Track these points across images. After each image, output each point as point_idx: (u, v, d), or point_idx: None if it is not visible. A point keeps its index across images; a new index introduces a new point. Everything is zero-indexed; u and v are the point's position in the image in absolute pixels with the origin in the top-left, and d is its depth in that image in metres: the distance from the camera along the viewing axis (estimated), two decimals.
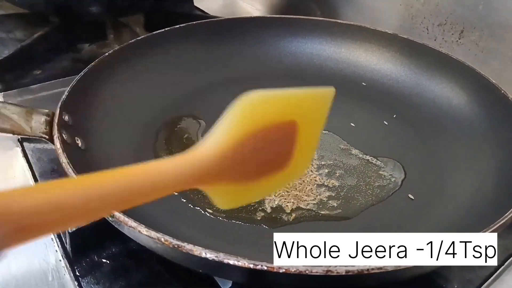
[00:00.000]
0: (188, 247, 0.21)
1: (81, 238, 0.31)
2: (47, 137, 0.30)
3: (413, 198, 0.34)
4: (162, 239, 0.22)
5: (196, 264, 0.23)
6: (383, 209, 0.33)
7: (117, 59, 0.40)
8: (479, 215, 0.29)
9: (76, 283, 0.29)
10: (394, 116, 0.42)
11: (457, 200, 0.32)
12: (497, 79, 0.38)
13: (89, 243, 0.31)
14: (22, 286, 0.30)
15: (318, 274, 0.20)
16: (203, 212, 0.32)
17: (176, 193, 0.33)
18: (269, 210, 0.32)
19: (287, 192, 0.34)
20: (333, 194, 0.34)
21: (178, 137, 0.39)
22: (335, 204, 0.33)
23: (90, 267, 0.30)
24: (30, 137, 0.31)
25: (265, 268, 0.20)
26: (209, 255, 0.21)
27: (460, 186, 0.33)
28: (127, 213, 0.23)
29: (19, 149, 0.41)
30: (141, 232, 0.22)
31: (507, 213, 0.25)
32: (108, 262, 0.31)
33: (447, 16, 0.50)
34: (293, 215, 0.32)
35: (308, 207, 0.33)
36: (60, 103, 0.32)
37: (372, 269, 0.20)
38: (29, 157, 0.40)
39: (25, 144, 0.41)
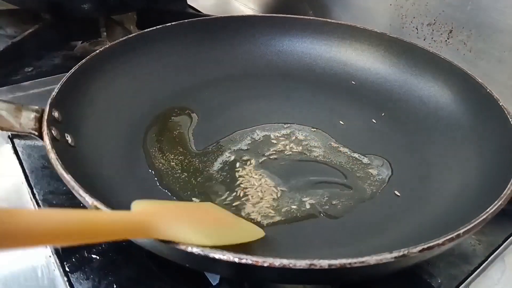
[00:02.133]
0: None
1: None
2: (36, 133, 0.30)
3: (399, 194, 0.34)
4: None
5: (183, 259, 0.23)
6: (370, 205, 0.33)
7: (108, 56, 0.40)
8: (464, 212, 0.30)
9: (65, 279, 0.30)
10: (383, 114, 0.43)
11: (442, 196, 0.33)
12: (485, 79, 0.39)
13: None
14: (11, 282, 0.30)
15: (301, 267, 0.20)
16: None
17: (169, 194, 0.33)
18: (256, 209, 0.32)
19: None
20: (321, 191, 0.34)
21: (169, 133, 0.40)
22: (323, 202, 0.33)
23: (79, 262, 0.31)
24: (20, 133, 0.31)
25: (250, 262, 0.21)
26: (195, 249, 0.21)
27: (446, 182, 0.34)
28: (114, 209, 0.23)
29: (9, 146, 0.41)
30: None
31: (487, 210, 0.25)
32: (98, 258, 0.31)
33: (436, 16, 0.51)
34: (281, 213, 0.32)
35: (296, 206, 0.33)
36: (49, 100, 0.32)
37: (355, 262, 0.21)
38: (20, 153, 0.40)
39: (15, 140, 0.41)
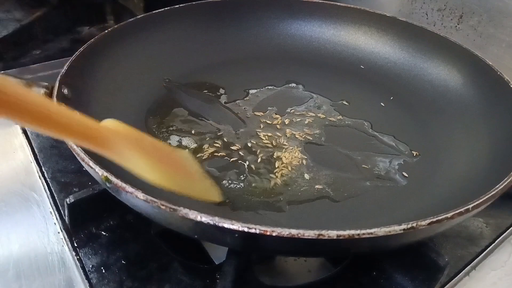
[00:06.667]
0: (184, 211, 0.21)
1: (79, 211, 0.31)
2: None
3: (407, 175, 0.34)
4: (159, 203, 0.22)
5: (191, 229, 0.23)
6: (378, 186, 0.33)
7: (116, 36, 0.40)
8: (473, 191, 0.30)
9: (74, 253, 0.30)
10: (391, 98, 0.43)
11: (451, 177, 0.33)
12: (495, 64, 0.38)
13: (87, 216, 0.31)
14: (21, 257, 0.31)
15: (310, 237, 0.21)
16: None
17: None
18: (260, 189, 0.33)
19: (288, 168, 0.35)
20: (330, 172, 0.34)
21: (171, 113, 0.40)
22: (331, 181, 0.33)
23: (88, 238, 0.31)
24: None
25: (258, 231, 0.21)
26: (204, 218, 0.21)
27: (455, 164, 0.34)
28: (124, 179, 0.24)
29: (18, 125, 0.41)
30: (138, 198, 0.23)
31: (496, 187, 0.25)
32: (106, 234, 0.31)
33: (447, 1, 0.50)
34: (290, 192, 0.32)
35: (305, 185, 0.33)
36: (59, 77, 0.32)
37: (363, 234, 0.21)
38: (29, 133, 0.40)
39: None
